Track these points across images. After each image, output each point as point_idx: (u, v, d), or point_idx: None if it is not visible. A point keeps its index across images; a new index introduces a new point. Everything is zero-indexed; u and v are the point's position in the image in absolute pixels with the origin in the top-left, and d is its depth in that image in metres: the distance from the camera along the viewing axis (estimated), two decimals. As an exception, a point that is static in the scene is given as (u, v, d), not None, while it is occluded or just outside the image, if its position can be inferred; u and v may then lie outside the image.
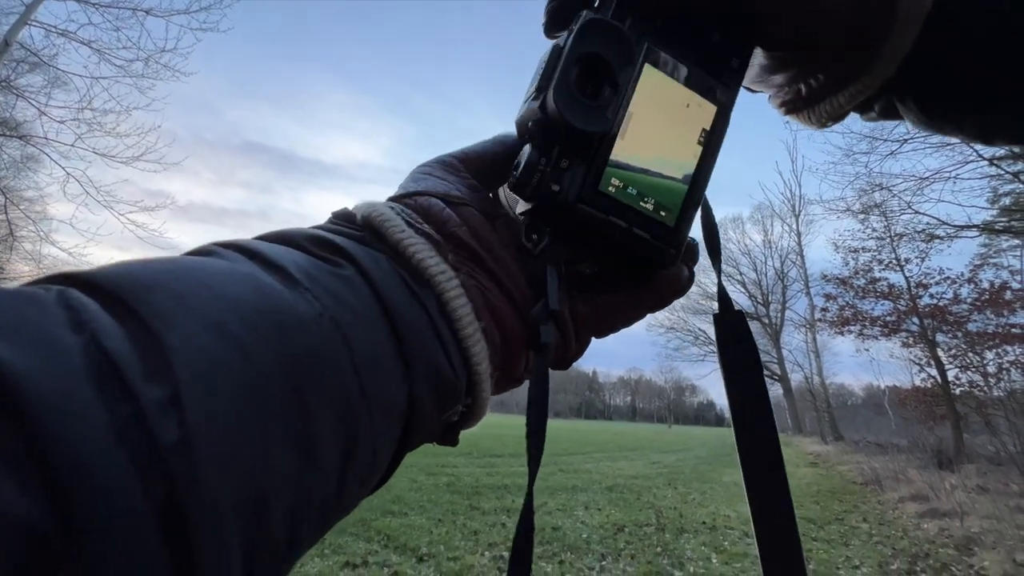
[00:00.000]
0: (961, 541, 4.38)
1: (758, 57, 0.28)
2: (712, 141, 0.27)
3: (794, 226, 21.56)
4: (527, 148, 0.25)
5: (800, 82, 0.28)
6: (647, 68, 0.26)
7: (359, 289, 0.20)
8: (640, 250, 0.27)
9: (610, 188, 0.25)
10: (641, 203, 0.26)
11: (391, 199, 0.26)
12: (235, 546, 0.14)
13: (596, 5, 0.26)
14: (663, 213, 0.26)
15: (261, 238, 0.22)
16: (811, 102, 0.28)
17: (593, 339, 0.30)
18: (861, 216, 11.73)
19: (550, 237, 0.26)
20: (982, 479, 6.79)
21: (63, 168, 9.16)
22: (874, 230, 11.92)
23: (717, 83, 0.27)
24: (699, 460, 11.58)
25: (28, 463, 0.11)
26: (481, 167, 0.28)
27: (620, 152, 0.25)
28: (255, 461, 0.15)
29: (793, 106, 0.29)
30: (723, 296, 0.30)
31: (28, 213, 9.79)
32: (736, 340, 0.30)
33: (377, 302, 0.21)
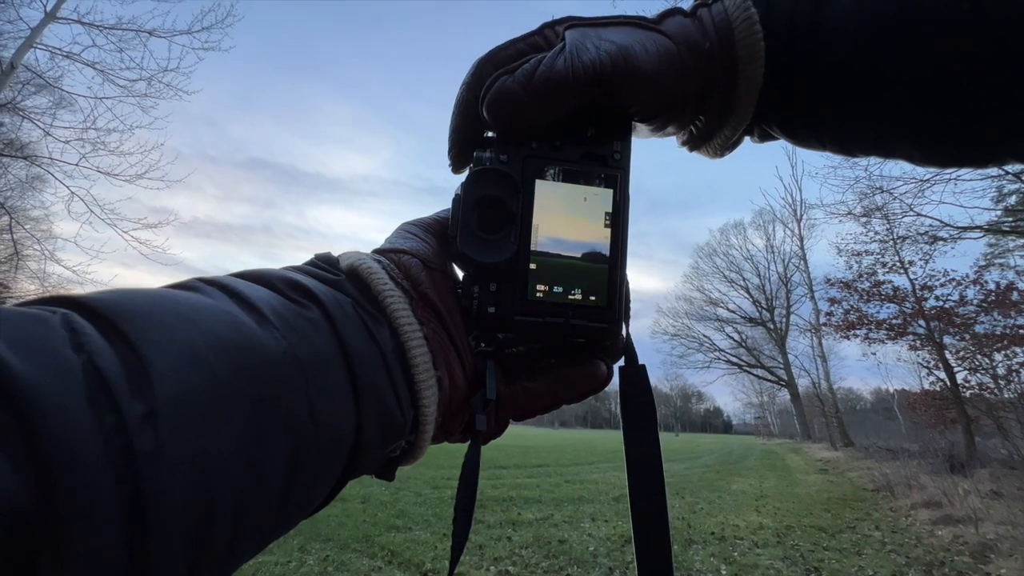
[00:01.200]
0: (976, 548, 4.29)
1: (642, 124, 0.31)
2: (617, 220, 0.30)
3: (796, 230, 21.57)
4: (464, 277, 0.30)
5: (688, 126, 0.32)
6: (538, 183, 0.29)
7: (322, 330, 0.23)
8: (582, 335, 0.30)
9: (538, 294, 0.29)
10: (570, 296, 0.29)
11: (377, 251, 0.30)
12: (182, 543, 0.16)
13: (483, 144, 0.30)
14: (593, 297, 0.29)
15: (241, 276, 0.24)
16: (705, 138, 0.32)
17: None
18: (863, 219, 11.71)
19: (496, 343, 0.30)
20: (996, 483, 6.68)
21: (68, 187, 9.25)
22: (876, 233, 11.89)
23: (604, 169, 0.30)
24: (707, 468, 11.45)
25: (28, 461, 0.13)
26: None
27: (538, 260, 0.29)
28: (210, 475, 0.17)
29: (693, 144, 0.33)
30: (629, 350, 0.33)
31: (33, 232, 9.89)
32: (636, 392, 0.32)
33: (337, 342, 0.23)
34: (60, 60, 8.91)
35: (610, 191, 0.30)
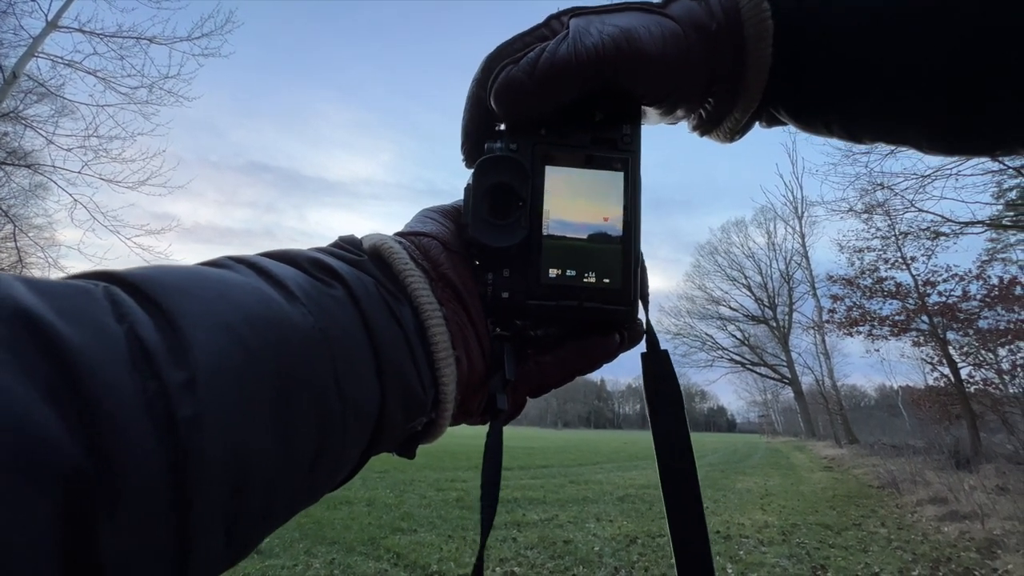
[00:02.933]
0: (983, 544, 4.28)
1: (651, 109, 0.31)
2: (629, 203, 0.30)
3: (797, 228, 21.54)
4: (478, 264, 0.30)
5: (698, 110, 0.32)
6: (548, 169, 0.30)
7: (346, 308, 0.23)
8: (595, 318, 0.30)
9: (551, 278, 0.29)
10: (584, 279, 0.29)
11: (399, 234, 0.30)
12: (220, 506, 0.17)
13: (494, 136, 0.31)
14: (607, 280, 0.29)
15: (268, 255, 0.25)
16: (715, 122, 0.32)
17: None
18: (864, 216, 11.71)
19: (514, 329, 0.30)
20: (1002, 479, 6.65)
21: (70, 195, 9.29)
22: (878, 229, 11.88)
23: (614, 153, 0.30)
24: (711, 467, 11.42)
25: (80, 421, 0.14)
26: None
27: (550, 244, 0.29)
28: (245, 441, 0.17)
29: (703, 128, 0.33)
30: (650, 335, 0.32)
31: (37, 240, 9.90)
32: (660, 378, 0.32)
33: (361, 320, 0.23)
34: (62, 68, 8.97)
35: (620, 174, 0.30)
